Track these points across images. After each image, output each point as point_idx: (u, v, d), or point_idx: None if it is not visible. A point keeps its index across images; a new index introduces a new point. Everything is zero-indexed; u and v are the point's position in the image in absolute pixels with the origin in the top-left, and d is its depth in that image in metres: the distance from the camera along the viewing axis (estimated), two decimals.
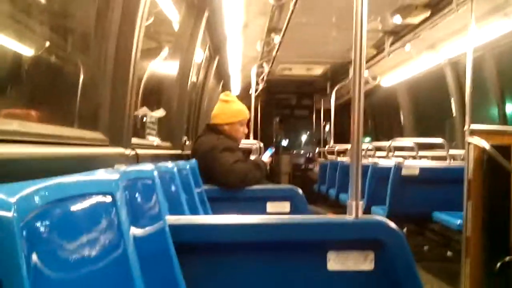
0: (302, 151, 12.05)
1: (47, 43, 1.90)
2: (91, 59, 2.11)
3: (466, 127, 3.02)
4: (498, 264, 2.76)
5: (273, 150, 3.79)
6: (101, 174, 1.06)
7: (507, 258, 2.75)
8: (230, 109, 3.37)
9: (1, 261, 0.62)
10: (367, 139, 9.88)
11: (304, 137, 12.68)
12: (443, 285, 3.88)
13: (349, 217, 1.66)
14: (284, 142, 12.52)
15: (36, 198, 0.72)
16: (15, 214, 0.64)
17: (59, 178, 0.84)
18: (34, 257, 0.68)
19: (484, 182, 2.92)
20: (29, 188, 0.72)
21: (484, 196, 2.90)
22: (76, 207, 0.86)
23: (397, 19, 4.88)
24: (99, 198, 0.97)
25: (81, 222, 0.87)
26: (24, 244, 0.65)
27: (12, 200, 0.65)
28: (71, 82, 2.03)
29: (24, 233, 0.66)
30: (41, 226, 0.72)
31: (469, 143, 2.95)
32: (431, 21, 4.70)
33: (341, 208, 6.12)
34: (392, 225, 1.63)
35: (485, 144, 2.85)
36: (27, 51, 1.77)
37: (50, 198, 0.76)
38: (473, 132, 2.98)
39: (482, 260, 2.88)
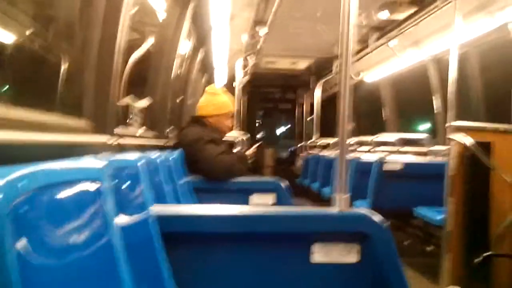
0: (285, 145, 12.05)
1: (31, 30, 1.87)
2: (76, 47, 2.08)
3: (448, 124, 3.06)
4: (478, 259, 2.80)
5: (259, 143, 3.80)
6: (87, 162, 1.05)
7: (487, 253, 2.79)
8: (216, 101, 3.36)
9: None
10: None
11: (287, 131, 12.69)
12: (423, 280, 3.92)
13: (334, 210, 1.67)
14: (268, 135, 12.52)
15: (23, 184, 0.70)
16: (1, 199, 0.63)
17: (45, 164, 0.83)
18: (21, 243, 0.66)
19: (466, 178, 2.95)
20: (16, 173, 0.70)
21: (466, 192, 2.94)
22: (63, 193, 0.84)
23: (382, 15, 4.90)
24: (86, 186, 0.96)
25: (68, 209, 0.86)
26: (10, 230, 0.64)
27: None
28: (56, 69, 2.00)
29: (10, 218, 0.64)
30: (28, 211, 0.70)
31: (451, 139, 2.99)
32: (416, 18, 4.73)
33: (324, 201, 6.15)
34: (377, 218, 1.64)
35: (466, 141, 2.89)
36: (11, 38, 1.73)
37: (37, 184, 0.74)
38: (455, 129, 3.01)
39: (462, 255, 2.92)
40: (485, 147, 2.89)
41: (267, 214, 1.71)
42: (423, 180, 4.31)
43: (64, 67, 2.10)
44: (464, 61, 5.01)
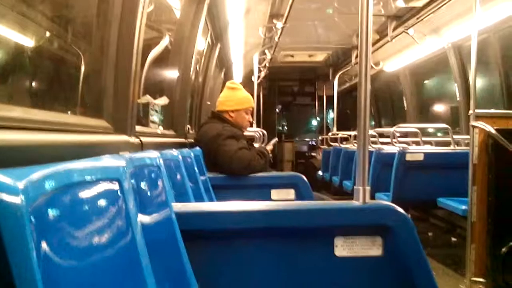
0: (304, 139, 12.00)
1: (50, 32, 1.88)
2: (94, 47, 2.09)
3: (470, 112, 3.01)
4: (504, 249, 2.76)
5: (276, 139, 3.80)
6: (107, 161, 1.05)
7: None
8: (236, 96, 3.37)
9: (10, 248, 0.60)
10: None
11: (306, 124, 12.64)
12: (449, 271, 3.88)
13: (356, 203, 1.65)
14: (287, 129, 12.49)
15: (44, 184, 0.70)
16: (23, 200, 0.63)
17: (66, 163, 0.83)
18: (43, 243, 0.66)
19: (489, 167, 2.91)
20: (37, 173, 0.70)
21: (489, 181, 2.89)
22: (84, 193, 0.84)
23: (400, 3, 4.83)
24: (107, 185, 0.96)
25: (90, 209, 0.86)
26: (33, 230, 0.64)
27: (20, 185, 0.63)
28: (75, 70, 2.01)
29: (33, 219, 0.64)
30: (49, 212, 0.70)
31: (473, 128, 2.94)
32: (434, 4, 4.65)
33: (345, 195, 6.12)
34: (400, 210, 1.62)
35: (490, 128, 2.84)
36: (30, 41, 1.75)
37: (58, 184, 0.74)
38: (477, 117, 2.97)
39: (487, 246, 2.87)
40: (509, 134, 2.85)
41: (288, 209, 1.71)
42: (446, 169, 4.26)
43: (83, 67, 2.11)
44: (487, 47, 4.92)
